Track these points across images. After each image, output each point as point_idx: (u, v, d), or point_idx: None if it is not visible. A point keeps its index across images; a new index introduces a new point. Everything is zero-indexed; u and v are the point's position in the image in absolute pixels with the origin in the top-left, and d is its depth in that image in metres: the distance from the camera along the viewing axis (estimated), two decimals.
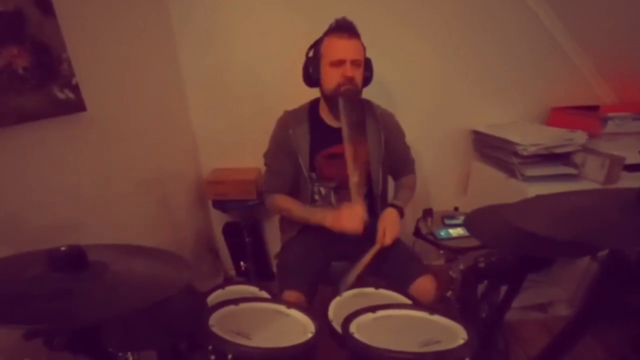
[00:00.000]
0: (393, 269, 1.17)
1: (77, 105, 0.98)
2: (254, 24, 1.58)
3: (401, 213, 1.22)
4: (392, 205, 1.22)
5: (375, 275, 1.21)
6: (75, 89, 0.97)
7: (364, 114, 1.24)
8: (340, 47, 1.11)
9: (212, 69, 1.64)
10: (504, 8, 1.63)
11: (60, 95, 0.93)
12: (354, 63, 1.12)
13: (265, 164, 1.30)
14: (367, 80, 1.21)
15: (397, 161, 1.34)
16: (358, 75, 1.14)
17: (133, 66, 1.28)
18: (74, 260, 0.56)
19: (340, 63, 1.11)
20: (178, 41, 1.58)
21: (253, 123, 1.70)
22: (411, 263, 1.18)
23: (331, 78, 1.13)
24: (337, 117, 1.19)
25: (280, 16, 1.57)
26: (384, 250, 1.14)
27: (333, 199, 1.27)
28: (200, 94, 1.68)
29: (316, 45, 1.18)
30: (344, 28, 1.12)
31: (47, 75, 0.89)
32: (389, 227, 1.14)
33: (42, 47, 0.88)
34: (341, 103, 1.11)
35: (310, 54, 1.20)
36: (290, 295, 1.06)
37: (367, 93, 1.25)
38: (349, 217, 1.09)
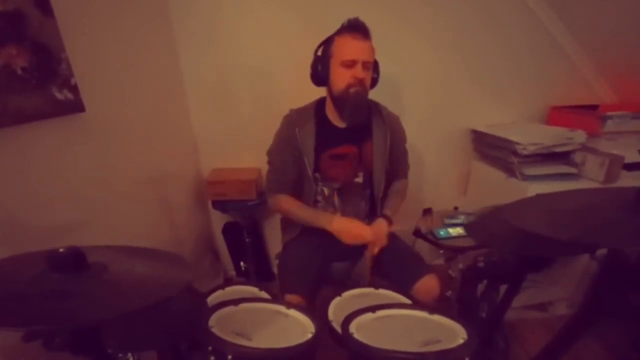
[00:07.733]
0: (396, 269, 1.17)
1: (75, 106, 0.97)
2: (254, 24, 1.58)
3: (389, 222, 1.23)
4: (383, 216, 1.23)
5: (378, 276, 1.21)
6: (74, 89, 0.96)
7: (371, 115, 1.24)
8: (353, 48, 1.09)
9: (212, 69, 1.64)
10: (504, 8, 1.63)
11: (59, 96, 0.92)
12: (365, 65, 1.10)
13: (269, 162, 1.27)
14: (374, 82, 1.20)
15: (394, 164, 1.32)
16: (368, 77, 1.13)
17: (133, 66, 1.28)
18: (73, 261, 0.56)
19: (352, 64, 1.09)
20: (178, 41, 1.58)
21: (253, 123, 1.70)
22: (414, 263, 1.18)
23: (341, 78, 1.11)
24: (343, 117, 1.19)
25: (280, 17, 1.57)
26: (383, 252, 1.15)
27: (336, 200, 1.27)
28: (200, 94, 1.68)
29: (327, 44, 1.15)
30: (359, 28, 1.10)
31: (46, 75, 0.89)
32: (378, 239, 1.16)
33: (41, 48, 0.87)
34: None
35: (320, 53, 1.17)
36: (292, 299, 1.07)
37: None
38: (353, 237, 1.13)
